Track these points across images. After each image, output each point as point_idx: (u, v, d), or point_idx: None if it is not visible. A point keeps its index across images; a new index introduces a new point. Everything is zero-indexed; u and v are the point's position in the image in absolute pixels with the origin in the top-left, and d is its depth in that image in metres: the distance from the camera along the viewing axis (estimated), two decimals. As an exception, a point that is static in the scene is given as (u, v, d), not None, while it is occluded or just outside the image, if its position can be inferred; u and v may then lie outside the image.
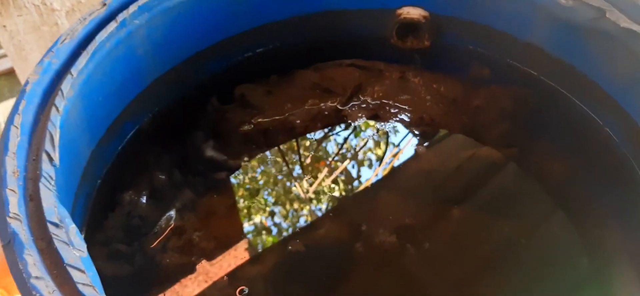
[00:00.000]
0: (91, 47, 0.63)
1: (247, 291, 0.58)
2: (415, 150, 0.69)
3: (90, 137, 0.67)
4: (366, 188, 0.68)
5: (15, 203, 0.46)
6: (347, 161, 0.69)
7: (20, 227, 0.45)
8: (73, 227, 0.46)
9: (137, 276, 0.61)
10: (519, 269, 0.60)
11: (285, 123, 0.74)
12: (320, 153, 0.72)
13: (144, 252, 0.62)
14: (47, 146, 0.51)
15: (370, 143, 0.72)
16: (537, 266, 0.60)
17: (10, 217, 0.45)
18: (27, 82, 0.58)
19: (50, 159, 0.51)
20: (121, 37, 0.68)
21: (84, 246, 0.44)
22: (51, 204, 0.47)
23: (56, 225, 0.45)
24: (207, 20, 0.78)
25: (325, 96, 0.75)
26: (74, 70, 0.60)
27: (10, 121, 0.54)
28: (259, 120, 0.73)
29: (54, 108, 0.55)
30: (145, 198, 0.68)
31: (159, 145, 0.74)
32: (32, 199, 0.48)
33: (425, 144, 0.70)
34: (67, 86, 0.58)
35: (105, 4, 0.67)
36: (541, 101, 0.72)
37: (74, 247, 0.43)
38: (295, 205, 0.67)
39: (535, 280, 0.59)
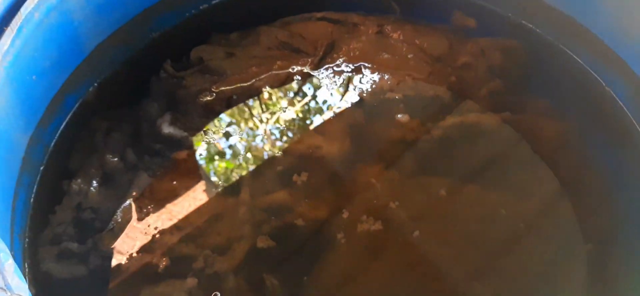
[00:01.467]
0: (15, 22, 0.53)
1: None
2: (398, 119, 0.64)
3: (25, 122, 0.58)
4: (346, 163, 0.62)
5: None
6: (323, 135, 0.64)
7: None
8: (10, 263, 0.39)
9: (93, 279, 0.55)
10: (510, 245, 0.57)
11: (250, 90, 0.66)
12: (292, 124, 0.66)
13: (100, 251, 0.56)
14: None
15: (347, 113, 0.65)
16: (530, 242, 0.57)
17: None
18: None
19: None
20: (52, 3, 0.58)
21: (24, 287, 0.38)
22: None
23: None
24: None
25: (295, 57, 0.68)
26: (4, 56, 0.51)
27: None
28: (221, 88, 0.65)
29: None
30: (96, 185, 0.60)
31: (108, 120, 0.65)
32: None
33: (409, 111, 0.65)
34: None
35: None
36: (534, 55, 0.66)
37: (11, 292, 0.37)
38: (267, 186, 0.61)
39: (527, 257, 0.57)
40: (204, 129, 0.64)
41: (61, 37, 0.59)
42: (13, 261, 0.39)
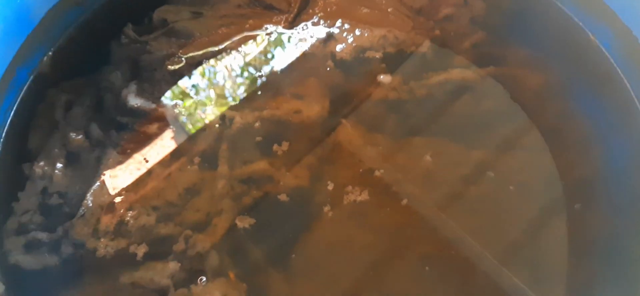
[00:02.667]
0: None
1: (204, 280, 0.53)
2: (380, 79, 0.62)
3: None
4: (327, 127, 0.60)
5: None
6: (302, 98, 0.61)
7: None
8: None
9: (66, 268, 0.52)
10: (496, 204, 0.57)
11: (221, 53, 0.63)
12: (268, 88, 0.63)
13: (72, 239, 0.53)
14: None
15: (326, 73, 0.62)
16: (514, 200, 0.57)
17: None
18: None
19: None
20: None
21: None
22: None
23: None
24: None
25: (267, 15, 0.63)
26: None
27: None
28: (190, 53, 0.61)
29: None
30: (60, 167, 0.57)
31: (66, 93, 0.61)
32: None
33: (390, 70, 0.63)
34: None
35: None
36: (517, 4, 0.64)
37: None
38: (246, 157, 0.58)
39: (510, 213, 0.57)
40: (173, 98, 0.61)
41: (5, 7, 0.54)
42: None
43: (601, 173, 0.57)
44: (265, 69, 0.63)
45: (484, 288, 0.54)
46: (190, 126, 0.60)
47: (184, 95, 0.61)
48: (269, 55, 0.63)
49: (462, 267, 0.54)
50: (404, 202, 0.55)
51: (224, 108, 0.60)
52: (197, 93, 0.61)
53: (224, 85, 0.62)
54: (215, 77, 0.62)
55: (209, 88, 0.62)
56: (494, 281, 0.53)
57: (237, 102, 0.61)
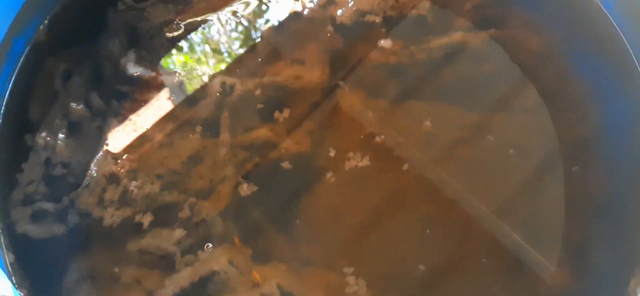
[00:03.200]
0: None
1: (211, 246, 0.54)
2: (380, 43, 0.62)
3: None
4: (327, 92, 0.60)
5: None
6: (302, 63, 0.61)
7: None
8: None
9: (74, 237, 0.54)
10: (496, 166, 0.58)
11: (220, 18, 0.62)
12: (268, 54, 0.63)
13: (78, 209, 0.54)
14: None
15: (326, 38, 0.62)
16: (514, 162, 0.58)
17: None
18: None
19: None
20: None
21: (11, 292, 0.36)
22: None
23: None
24: None
25: None
26: None
27: None
28: (188, 19, 0.61)
29: None
30: (63, 137, 0.57)
31: (64, 62, 0.61)
32: None
33: (390, 34, 0.62)
34: None
35: None
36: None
37: None
38: (247, 123, 0.59)
39: (509, 174, 0.58)
40: (173, 65, 0.61)
41: None
42: None
43: (600, 134, 0.58)
44: (265, 35, 0.63)
45: (483, 245, 0.56)
46: (191, 94, 0.60)
47: (184, 61, 0.61)
48: (269, 21, 0.63)
49: (461, 227, 0.56)
50: (405, 166, 0.56)
51: (224, 75, 0.61)
52: (197, 61, 0.61)
53: (223, 51, 0.62)
54: (214, 43, 0.62)
55: (209, 55, 0.62)
56: (492, 238, 0.56)
57: (237, 69, 0.62)
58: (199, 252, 0.54)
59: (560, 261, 0.55)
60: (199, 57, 0.60)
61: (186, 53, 0.60)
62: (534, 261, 0.55)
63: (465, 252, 0.55)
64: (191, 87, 0.60)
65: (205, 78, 0.60)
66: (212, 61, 0.61)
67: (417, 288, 0.53)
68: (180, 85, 0.60)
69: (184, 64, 0.60)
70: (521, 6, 0.63)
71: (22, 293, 0.51)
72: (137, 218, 0.54)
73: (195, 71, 0.61)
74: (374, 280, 0.53)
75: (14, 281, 0.52)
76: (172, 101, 0.60)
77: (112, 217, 0.54)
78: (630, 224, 0.53)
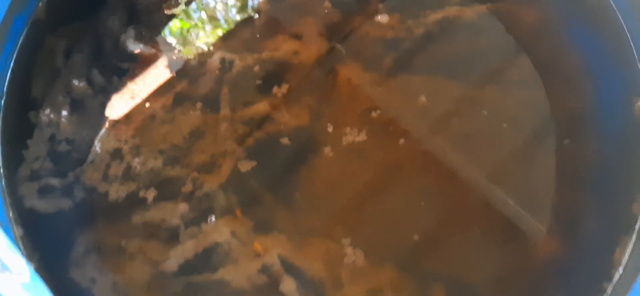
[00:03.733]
0: None
1: (214, 219, 0.56)
2: (377, 18, 0.63)
3: None
4: (324, 66, 0.61)
5: None
6: (300, 38, 0.62)
7: None
8: (3, 240, 0.39)
9: (80, 211, 0.56)
10: (490, 138, 0.60)
11: (218, -6, 0.64)
12: (266, 29, 0.64)
13: (83, 184, 0.56)
14: None
15: (322, 13, 0.62)
16: (505, 132, 0.60)
17: None
18: None
19: None
20: None
21: (23, 264, 0.39)
22: None
23: None
24: None
25: None
26: None
27: None
28: (189, -4, 0.62)
29: None
30: (66, 114, 0.59)
31: (64, 38, 0.62)
32: None
33: (387, 8, 0.63)
34: None
35: None
36: None
37: (8, 272, 0.38)
38: (247, 98, 0.60)
39: (503, 147, 0.60)
40: (172, 41, 0.62)
41: None
42: (5, 238, 0.39)
43: (592, 107, 0.60)
44: (263, 10, 0.64)
45: (476, 213, 0.58)
46: (191, 70, 0.61)
47: (183, 37, 0.62)
48: None
49: (455, 197, 0.58)
50: (401, 141, 0.58)
51: (223, 51, 0.62)
52: (197, 36, 0.62)
53: (222, 27, 0.63)
54: (213, 19, 0.63)
55: (208, 30, 0.63)
56: (486, 206, 0.58)
57: (236, 44, 0.63)
58: (203, 224, 0.56)
59: (551, 229, 0.58)
60: (198, 32, 0.62)
61: (182, 19, 0.61)
62: (527, 228, 0.58)
63: (459, 220, 0.58)
64: (191, 63, 0.62)
65: (205, 55, 0.62)
66: (210, 38, 0.63)
67: (412, 255, 0.56)
68: (181, 61, 0.62)
69: (184, 40, 0.62)
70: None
71: (32, 265, 0.54)
72: (141, 192, 0.56)
73: (194, 48, 0.62)
74: (370, 249, 0.56)
75: (24, 254, 0.55)
76: (173, 78, 0.61)
77: (116, 191, 0.56)
78: (617, 195, 0.55)
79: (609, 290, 0.51)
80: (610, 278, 0.52)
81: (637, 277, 0.50)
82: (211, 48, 0.62)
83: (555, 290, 0.55)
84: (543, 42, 0.62)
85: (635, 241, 0.52)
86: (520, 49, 0.62)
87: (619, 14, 0.59)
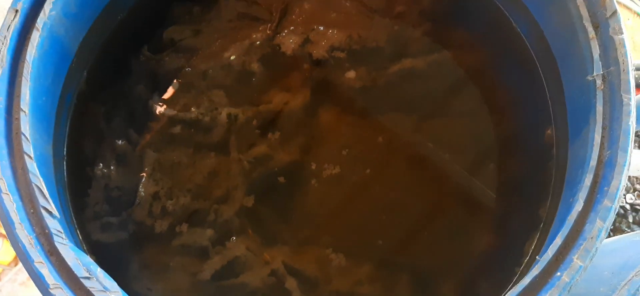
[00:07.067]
0: (27, 70, 0.70)
1: (234, 238, 0.81)
2: (348, 73, 0.86)
3: (46, 135, 0.79)
4: (309, 111, 0.86)
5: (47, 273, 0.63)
6: (289, 91, 0.86)
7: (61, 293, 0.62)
8: (100, 272, 0.65)
9: (134, 240, 0.83)
10: (436, 165, 0.85)
11: (221, 61, 0.87)
12: (262, 86, 0.86)
13: (134, 221, 0.82)
14: (42, 202, 0.66)
15: (306, 69, 0.87)
16: (454, 156, 0.85)
17: (52, 287, 0.62)
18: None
19: (50, 213, 0.66)
20: (44, 36, 0.73)
21: (115, 285, 0.64)
22: (73, 258, 0.64)
23: (87, 278, 0.64)
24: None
25: (255, 25, 0.86)
26: (23, 104, 0.69)
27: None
28: (197, 64, 0.85)
29: (26, 158, 0.67)
30: (113, 168, 0.84)
31: (103, 104, 0.87)
32: (52, 254, 0.66)
33: (356, 65, 0.86)
34: (25, 123, 0.68)
35: (16, 11, 0.70)
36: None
37: (109, 292, 0.63)
38: (250, 142, 0.85)
39: (446, 171, 0.85)
40: (190, 106, 0.85)
41: (54, 55, 0.76)
42: (102, 270, 0.65)
43: (517, 131, 0.85)
44: (258, 71, 0.87)
45: (430, 218, 0.84)
46: (205, 125, 0.86)
47: (196, 100, 0.85)
48: (260, 59, 0.87)
49: (412, 210, 0.84)
50: (367, 171, 0.84)
51: (228, 107, 0.86)
52: (209, 99, 0.85)
53: (226, 87, 0.86)
54: (219, 82, 0.86)
55: (215, 92, 0.86)
56: (437, 211, 0.84)
57: (239, 101, 0.86)
58: (226, 243, 0.82)
59: (493, 225, 0.84)
60: (210, 96, 0.85)
61: (197, 91, 0.85)
62: (470, 227, 0.84)
63: (416, 227, 0.84)
64: (205, 120, 0.86)
65: (215, 112, 0.86)
66: (218, 96, 0.86)
67: (381, 255, 0.83)
68: (197, 119, 0.86)
69: (196, 101, 0.85)
70: (459, 30, 0.87)
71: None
72: (177, 224, 0.82)
73: (206, 107, 0.85)
74: (350, 252, 0.83)
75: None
76: (192, 132, 0.86)
77: (160, 224, 0.82)
78: (531, 201, 0.81)
79: (518, 272, 0.78)
80: (520, 264, 0.78)
81: (535, 262, 0.76)
82: (219, 107, 0.85)
83: (487, 271, 0.82)
84: (479, 80, 0.86)
85: (539, 236, 0.78)
86: (462, 87, 0.86)
87: (535, 59, 0.82)
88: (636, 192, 1.48)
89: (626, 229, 1.45)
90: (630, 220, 1.42)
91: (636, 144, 1.53)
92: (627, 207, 1.44)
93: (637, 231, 1.23)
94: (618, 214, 1.52)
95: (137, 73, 0.87)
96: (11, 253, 2.00)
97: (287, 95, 0.88)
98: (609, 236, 1.33)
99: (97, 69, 0.87)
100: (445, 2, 0.89)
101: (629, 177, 1.59)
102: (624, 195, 1.56)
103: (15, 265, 1.98)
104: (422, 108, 0.87)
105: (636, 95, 1.06)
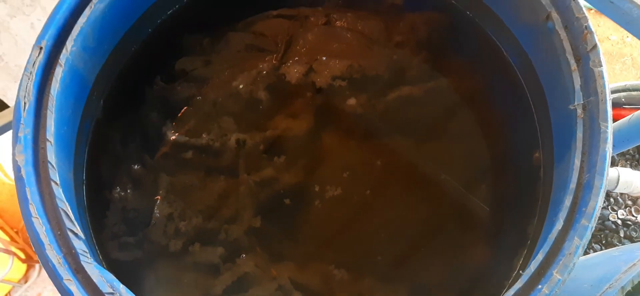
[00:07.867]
0: (51, 103, 0.77)
1: (244, 256, 0.88)
2: (349, 100, 0.93)
3: (68, 163, 0.86)
4: (313, 137, 0.94)
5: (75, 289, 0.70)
6: (294, 117, 0.93)
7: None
8: (123, 288, 0.72)
9: (149, 258, 0.90)
10: (432, 185, 0.92)
11: (230, 90, 0.95)
12: (268, 113, 0.94)
13: (150, 240, 0.89)
14: (68, 224, 0.73)
15: (310, 97, 0.95)
16: (451, 174, 0.92)
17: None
18: (18, 165, 0.75)
19: (76, 234, 0.73)
20: (66, 71, 0.80)
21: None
22: (98, 276, 0.71)
23: (111, 294, 0.71)
24: (124, 5, 0.90)
25: (261, 56, 0.94)
26: (49, 134, 0.77)
27: (27, 211, 0.73)
28: (207, 93, 0.93)
29: (53, 184, 0.74)
30: (130, 191, 0.91)
31: (119, 131, 0.95)
32: (79, 272, 0.73)
33: (356, 93, 0.94)
34: (51, 152, 0.76)
35: (41, 48, 0.77)
36: (452, 26, 0.95)
37: None
38: (257, 166, 0.93)
39: (442, 192, 0.93)
40: (201, 132, 0.93)
41: (75, 88, 0.84)
42: (123, 286, 0.72)
43: (508, 152, 0.92)
44: (265, 98, 0.95)
45: (425, 233, 0.91)
46: (216, 150, 0.93)
47: (205, 127, 0.92)
48: (266, 87, 0.94)
49: (409, 229, 0.91)
50: (367, 192, 0.91)
51: (237, 133, 0.93)
52: (219, 125, 0.92)
53: (235, 114, 0.93)
54: (228, 109, 0.93)
55: (225, 118, 0.93)
56: (433, 225, 0.91)
57: (246, 127, 0.94)
58: (236, 260, 0.89)
59: (485, 241, 0.91)
60: (220, 123, 0.92)
61: (207, 118, 0.92)
62: (466, 242, 0.91)
63: (412, 244, 0.91)
64: (215, 145, 0.93)
65: (224, 137, 0.93)
66: (227, 123, 0.93)
67: (380, 269, 0.90)
68: (208, 144, 0.93)
69: (206, 128, 0.92)
70: (454, 58, 0.95)
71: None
72: (191, 241, 0.89)
73: (216, 133, 0.92)
74: (351, 266, 0.90)
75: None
76: (203, 156, 0.93)
77: (175, 244, 0.89)
78: (520, 219, 0.88)
79: (507, 285, 0.85)
80: (509, 278, 0.85)
81: (521, 275, 0.83)
82: (228, 132, 0.92)
83: (479, 285, 0.89)
84: (473, 105, 0.93)
85: (526, 253, 0.85)
86: (457, 111, 0.93)
87: (525, 87, 0.89)
88: (627, 208, 1.56)
89: (617, 243, 1.52)
90: (622, 235, 1.49)
91: (629, 163, 1.62)
92: (619, 222, 1.52)
93: (618, 247, 1.31)
94: (610, 229, 1.60)
95: (151, 101, 0.96)
96: (21, 271, 2.08)
97: (292, 121, 0.96)
98: (601, 249, 1.40)
99: (113, 99, 0.95)
100: (441, 32, 0.97)
101: (621, 194, 1.67)
102: (616, 211, 1.65)
103: (25, 282, 2.05)
104: (420, 132, 0.95)
105: (625, 115, 1.14)
